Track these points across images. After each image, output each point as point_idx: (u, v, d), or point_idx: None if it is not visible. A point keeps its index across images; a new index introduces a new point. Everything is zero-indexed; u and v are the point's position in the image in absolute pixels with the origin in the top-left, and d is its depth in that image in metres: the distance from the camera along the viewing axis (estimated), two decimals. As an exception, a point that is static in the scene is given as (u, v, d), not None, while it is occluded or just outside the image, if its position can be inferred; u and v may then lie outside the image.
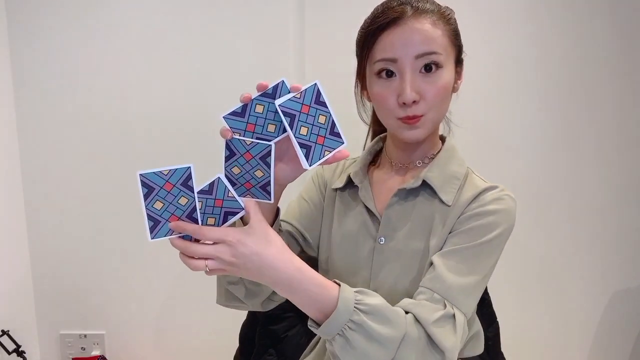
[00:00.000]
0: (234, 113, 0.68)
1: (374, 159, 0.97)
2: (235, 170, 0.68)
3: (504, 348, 1.30)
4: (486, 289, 1.27)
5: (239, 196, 0.68)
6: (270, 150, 0.66)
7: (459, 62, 0.85)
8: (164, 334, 1.80)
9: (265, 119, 0.68)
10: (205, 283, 1.74)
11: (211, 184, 0.66)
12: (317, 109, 0.67)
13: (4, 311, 1.62)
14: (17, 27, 1.62)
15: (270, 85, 0.68)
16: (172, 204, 0.65)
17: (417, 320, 0.71)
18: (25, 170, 1.69)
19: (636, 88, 1.65)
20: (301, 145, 0.66)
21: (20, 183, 1.70)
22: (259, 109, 0.68)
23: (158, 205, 0.65)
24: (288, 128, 0.66)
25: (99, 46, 1.63)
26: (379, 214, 0.87)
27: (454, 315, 0.74)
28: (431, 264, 0.79)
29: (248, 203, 0.68)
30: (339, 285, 0.70)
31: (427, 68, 0.79)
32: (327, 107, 0.68)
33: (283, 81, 0.68)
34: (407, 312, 0.73)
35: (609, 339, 1.79)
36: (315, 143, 0.67)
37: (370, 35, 0.81)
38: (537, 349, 1.79)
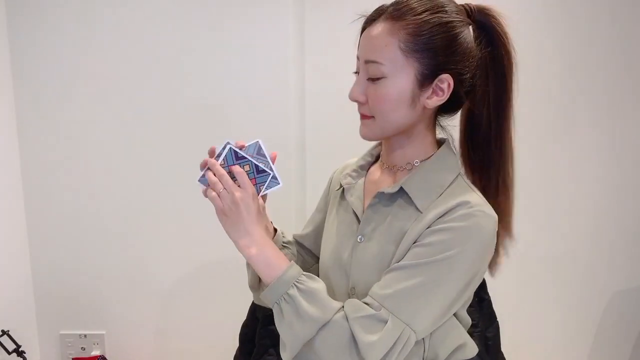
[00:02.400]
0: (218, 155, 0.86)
1: (378, 159, 0.99)
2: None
3: (504, 348, 1.30)
4: (486, 289, 1.28)
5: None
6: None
7: (429, 77, 0.80)
8: (164, 334, 1.80)
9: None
10: (206, 283, 1.74)
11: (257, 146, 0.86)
12: (259, 158, 0.86)
13: (4, 311, 1.62)
14: (17, 27, 1.62)
15: (247, 144, 0.87)
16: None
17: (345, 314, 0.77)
18: (25, 170, 1.69)
19: (636, 87, 1.65)
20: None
21: (21, 183, 1.70)
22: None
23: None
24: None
25: (98, 46, 1.63)
26: (360, 213, 0.89)
27: (385, 321, 0.75)
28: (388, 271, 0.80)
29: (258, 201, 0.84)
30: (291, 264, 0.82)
31: (372, 75, 0.81)
32: (266, 158, 0.86)
33: (258, 141, 0.87)
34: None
35: (609, 339, 1.79)
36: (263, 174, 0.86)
37: (361, 30, 0.86)
38: (537, 349, 1.79)
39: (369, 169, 0.97)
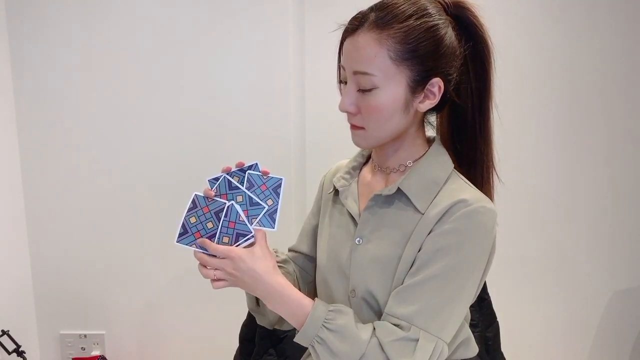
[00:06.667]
0: (216, 178, 0.86)
1: (369, 159, 0.98)
2: (192, 219, 0.85)
3: (504, 348, 1.30)
4: (486, 289, 1.28)
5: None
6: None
7: (421, 82, 0.80)
8: (164, 334, 1.80)
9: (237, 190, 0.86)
10: (206, 285, 1.74)
11: (227, 208, 0.83)
12: (271, 193, 0.86)
13: (4, 311, 1.62)
14: (17, 27, 1.62)
15: (247, 164, 0.87)
16: (201, 223, 0.84)
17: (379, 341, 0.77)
18: (25, 170, 1.69)
19: (637, 87, 1.65)
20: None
21: (21, 183, 1.70)
22: (235, 179, 0.87)
23: (193, 220, 0.84)
24: (245, 190, 0.85)
25: (98, 47, 1.63)
26: (357, 215, 0.88)
27: (417, 340, 0.76)
28: (401, 283, 0.80)
29: (257, 232, 0.83)
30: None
31: (363, 86, 0.79)
32: (278, 198, 0.86)
33: (257, 163, 0.87)
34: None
35: (609, 339, 1.79)
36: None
37: (341, 38, 0.84)
38: (537, 349, 1.79)
39: (360, 169, 0.96)
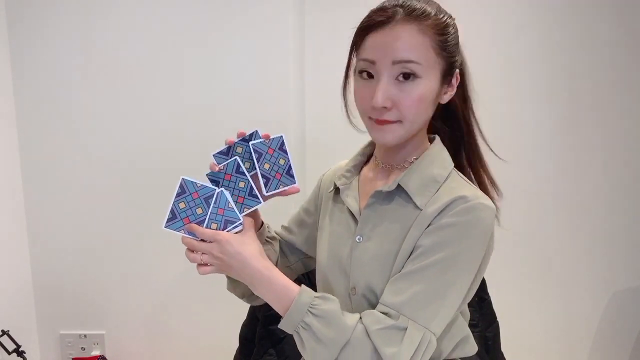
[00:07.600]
0: (221, 152, 0.88)
1: (370, 158, 0.98)
2: (182, 205, 0.84)
3: (504, 348, 1.30)
4: (486, 289, 1.28)
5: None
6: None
7: (449, 73, 0.83)
8: (164, 334, 1.80)
9: (243, 157, 0.87)
10: (206, 284, 1.74)
11: (217, 195, 0.83)
12: (279, 153, 0.86)
13: (4, 311, 1.62)
14: (17, 27, 1.62)
15: (248, 133, 0.87)
16: (190, 209, 0.84)
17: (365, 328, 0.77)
18: (26, 170, 1.70)
19: (637, 87, 1.65)
20: (262, 176, 0.86)
21: (21, 183, 1.70)
22: (239, 149, 0.88)
23: (182, 205, 0.84)
24: (255, 162, 0.86)
25: (98, 46, 1.63)
26: (357, 213, 0.89)
27: (405, 329, 0.75)
28: (398, 272, 0.80)
29: (245, 219, 0.85)
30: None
31: (404, 76, 0.78)
32: (287, 154, 0.86)
33: (257, 130, 0.88)
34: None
35: (609, 339, 1.79)
36: (274, 177, 0.87)
37: (360, 33, 0.83)
38: (537, 349, 1.79)
39: (361, 168, 0.97)
